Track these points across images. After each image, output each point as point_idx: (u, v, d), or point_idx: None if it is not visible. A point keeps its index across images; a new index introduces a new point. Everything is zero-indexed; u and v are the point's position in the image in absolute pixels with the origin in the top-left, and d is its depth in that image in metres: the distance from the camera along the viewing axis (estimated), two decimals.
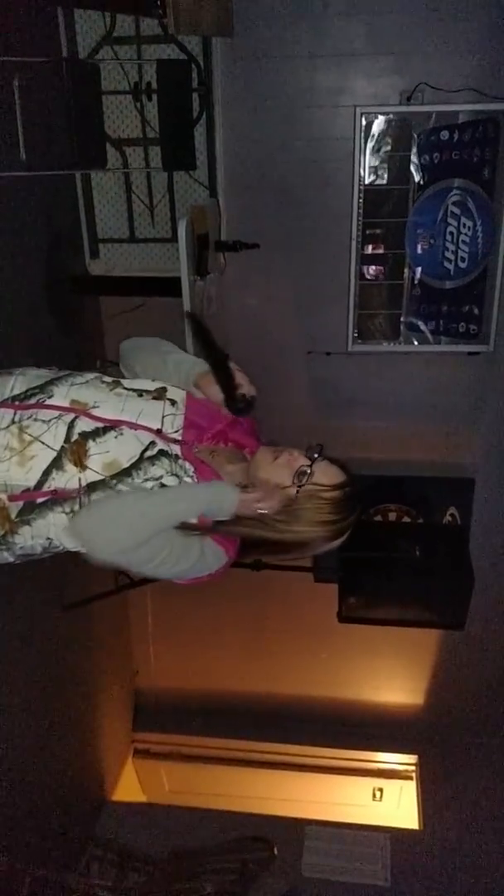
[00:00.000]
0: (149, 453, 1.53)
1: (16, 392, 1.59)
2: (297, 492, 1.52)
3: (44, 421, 1.53)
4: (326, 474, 1.53)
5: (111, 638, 5.35)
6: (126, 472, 1.51)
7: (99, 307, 4.72)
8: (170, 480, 1.52)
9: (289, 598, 5.03)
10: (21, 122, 3.52)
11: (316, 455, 1.53)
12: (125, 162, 4.46)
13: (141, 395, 1.61)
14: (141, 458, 1.53)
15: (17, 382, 1.61)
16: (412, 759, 5.60)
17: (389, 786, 5.65)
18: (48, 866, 3.89)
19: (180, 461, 1.55)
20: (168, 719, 5.75)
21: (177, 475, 1.53)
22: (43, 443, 1.51)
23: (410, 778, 5.58)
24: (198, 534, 1.51)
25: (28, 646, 3.95)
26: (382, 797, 5.67)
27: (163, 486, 1.52)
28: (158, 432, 1.56)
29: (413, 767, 5.59)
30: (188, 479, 1.54)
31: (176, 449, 1.56)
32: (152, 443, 1.54)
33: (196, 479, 1.54)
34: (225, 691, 5.63)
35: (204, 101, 4.25)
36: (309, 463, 1.52)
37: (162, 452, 1.54)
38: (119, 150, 4.42)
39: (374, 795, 5.67)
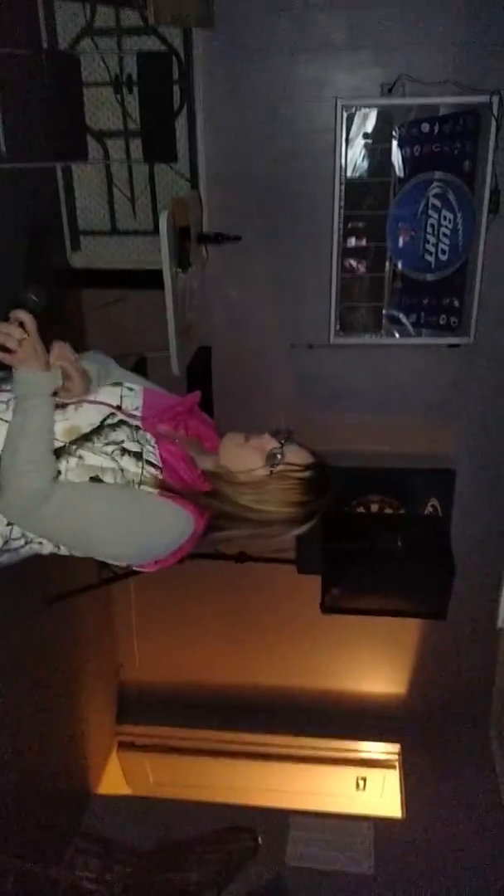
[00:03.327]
0: (109, 421, 1.54)
1: None
2: (270, 473, 1.53)
3: (3, 402, 1.54)
4: (297, 456, 1.55)
5: (95, 631, 5.36)
6: (86, 437, 1.51)
7: (80, 300, 4.70)
8: (132, 446, 1.51)
9: (272, 590, 5.06)
10: (1, 113, 3.50)
11: (285, 438, 1.54)
12: (106, 154, 4.45)
13: (99, 386, 1.63)
14: (101, 425, 1.53)
15: None
16: (395, 748, 5.65)
17: (372, 775, 5.70)
18: (33, 860, 3.89)
19: (141, 432, 1.54)
20: (152, 712, 5.76)
21: (139, 441, 1.52)
22: (2, 419, 1.51)
23: (393, 767, 5.63)
24: (152, 493, 1.49)
25: (10, 640, 3.94)
26: (366, 786, 5.72)
27: (124, 450, 1.50)
28: (118, 408, 1.57)
29: (396, 757, 5.63)
30: (150, 448, 1.52)
31: (137, 422, 1.56)
32: (112, 414, 1.55)
33: (157, 451, 1.53)
34: (209, 683, 5.65)
35: (185, 94, 4.24)
36: (279, 445, 1.53)
37: (123, 422, 1.55)
38: (100, 142, 4.41)
39: (357, 785, 5.71)
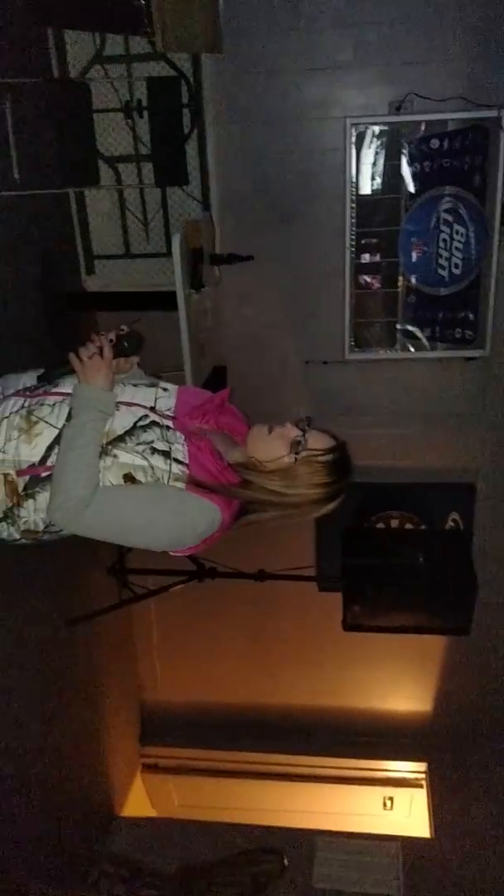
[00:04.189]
0: (141, 423, 1.67)
1: (27, 385, 1.77)
2: (296, 459, 1.64)
3: (49, 405, 1.69)
4: (319, 441, 1.66)
5: (116, 652, 5.35)
6: (120, 438, 1.64)
7: (96, 323, 4.74)
8: (160, 445, 1.64)
9: (293, 608, 5.04)
10: (14, 141, 3.56)
11: (306, 426, 1.66)
12: (118, 179, 4.50)
13: (136, 386, 1.76)
14: (134, 427, 1.66)
15: (28, 378, 1.80)
16: (422, 766, 5.58)
17: (400, 794, 5.63)
18: (57, 884, 3.88)
19: (171, 431, 1.67)
20: (175, 733, 5.74)
21: (168, 441, 1.65)
22: (47, 422, 1.67)
23: (420, 786, 5.56)
24: (179, 489, 1.61)
25: (32, 663, 3.95)
26: (393, 806, 5.65)
27: (154, 450, 1.63)
28: (152, 409, 1.70)
29: (423, 775, 5.57)
30: (178, 447, 1.64)
31: (168, 423, 1.69)
32: (145, 416, 1.68)
33: (185, 448, 1.65)
34: (232, 703, 5.62)
35: (195, 117, 4.29)
36: (301, 433, 1.64)
37: (154, 423, 1.67)
38: (112, 168, 4.46)
39: (384, 804, 5.65)
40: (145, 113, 4.21)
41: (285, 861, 4.42)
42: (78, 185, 4.25)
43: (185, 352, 3.78)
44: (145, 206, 4.55)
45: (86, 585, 4.64)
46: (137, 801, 5.61)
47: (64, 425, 1.65)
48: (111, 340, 1.73)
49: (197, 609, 5.18)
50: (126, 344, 1.75)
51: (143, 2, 3.35)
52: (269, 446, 1.66)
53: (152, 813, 5.71)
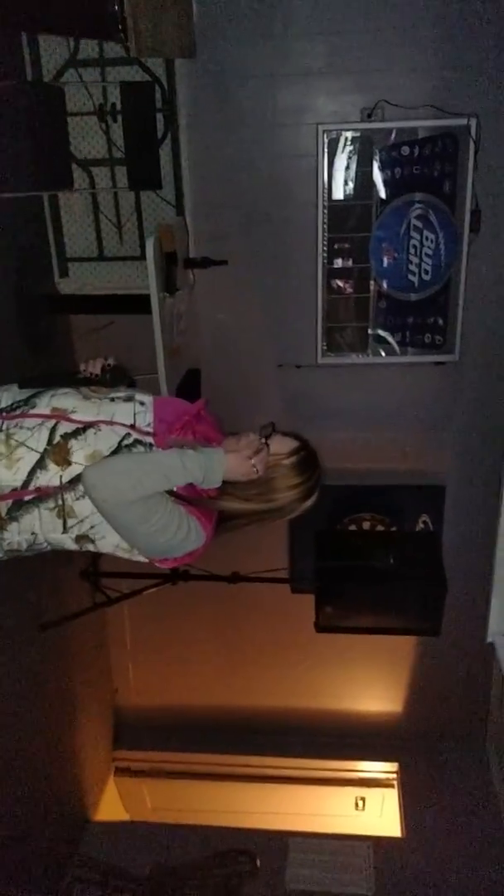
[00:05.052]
0: (125, 442, 1.69)
1: (2, 405, 1.75)
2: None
3: (28, 428, 1.69)
4: (282, 444, 1.74)
5: (89, 656, 5.34)
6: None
7: (69, 326, 4.74)
8: None
9: (266, 610, 5.06)
10: None
11: (269, 433, 1.73)
12: (92, 182, 4.50)
13: (113, 401, 1.77)
14: (119, 447, 1.68)
15: (3, 397, 1.78)
16: (393, 766, 5.63)
17: (371, 794, 5.67)
18: (30, 889, 3.86)
19: (154, 448, 1.69)
20: (148, 736, 5.73)
21: None
22: (27, 447, 1.68)
23: (392, 786, 5.60)
24: (185, 507, 1.65)
25: (4, 666, 3.93)
26: (365, 806, 5.69)
27: None
28: (132, 427, 1.71)
29: (394, 775, 5.61)
30: None
31: (150, 440, 1.70)
32: (128, 434, 1.70)
33: None
34: (204, 706, 5.63)
35: (168, 122, 4.31)
36: (264, 441, 1.71)
37: (138, 441, 1.70)
38: (86, 171, 4.46)
39: (356, 805, 5.69)
40: (119, 117, 4.22)
41: (258, 862, 4.45)
42: (51, 188, 4.25)
43: (158, 355, 3.79)
44: (119, 210, 4.55)
45: (59, 589, 4.63)
46: (110, 805, 5.59)
47: (45, 449, 1.67)
48: (95, 374, 1.76)
49: (170, 612, 5.19)
50: (108, 377, 1.78)
51: (116, 7, 3.36)
52: (237, 459, 1.69)
53: (125, 816, 5.70)
